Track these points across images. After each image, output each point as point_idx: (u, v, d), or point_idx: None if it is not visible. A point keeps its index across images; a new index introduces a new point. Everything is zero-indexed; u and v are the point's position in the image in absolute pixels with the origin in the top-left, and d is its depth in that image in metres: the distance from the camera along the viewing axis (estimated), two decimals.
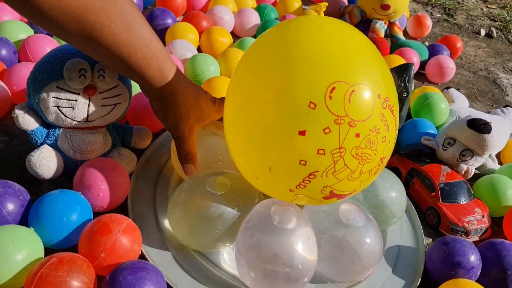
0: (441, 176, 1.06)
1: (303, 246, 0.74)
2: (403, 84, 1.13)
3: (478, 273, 0.86)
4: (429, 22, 1.91)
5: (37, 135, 0.86)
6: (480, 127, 1.05)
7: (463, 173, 1.09)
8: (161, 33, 1.39)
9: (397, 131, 0.75)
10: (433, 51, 1.70)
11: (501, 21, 2.31)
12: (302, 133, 0.65)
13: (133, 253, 0.74)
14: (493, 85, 1.75)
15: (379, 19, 1.69)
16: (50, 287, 0.63)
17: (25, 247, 0.69)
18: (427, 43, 1.90)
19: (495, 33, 2.17)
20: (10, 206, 0.75)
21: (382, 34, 1.68)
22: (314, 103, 0.63)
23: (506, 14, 2.37)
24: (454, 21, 2.22)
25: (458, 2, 2.42)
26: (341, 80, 0.64)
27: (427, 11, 2.27)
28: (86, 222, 0.76)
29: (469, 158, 1.09)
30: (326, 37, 0.70)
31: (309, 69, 0.65)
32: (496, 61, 1.95)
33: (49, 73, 0.80)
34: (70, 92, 0.81)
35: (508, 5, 2.53)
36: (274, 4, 1.78)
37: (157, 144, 0.99)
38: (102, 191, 0.81)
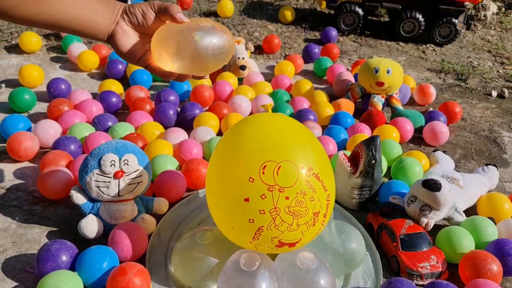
0: (403, 228, 1.27)
1: (262, 283, 1.00)
2: (370, 153, 1.38)
3: None
4: (432, 90, 2.14)
5: (86, 208, 1.23)
6: (430, 186, 1.26)
7: (424, 225, 1.29)
8: (191, 121, 1.77)
9: (328, 191, 1.01)
10: (430, 117, 1.92)
11: None
12: (246, 199, 0.95)
13: None
14: (493, 144, 1.91)
15: (377, 94, 1.95)
16: None
17: (70, 285, 1.03)
18: (431, 109, 2.11)
19: (507, 94, 2.33)
20: (63, 257, 1.10)
21: (379, 107, 1.94)
22: (252, 178, 0.94)
23: None
24: (466, 85, 2.41)
25: (473, 67, 2.61)
26: (270, 159, 0.95)
27: (440, 78, 2.48)
28: (113, 268, 1.09)
29: (428, 212, 1.30)
30: (262, 129, 1.02)
31: (248, 154, 0.97)
32: (503, 120, 2.10)
33: (91, 164, 1.18)
34: (105, 176, 1.18)
35: None
36: (289, 87, 2.12)
37: (172, 212, 1.32)
38: (125, 246, 1.15)
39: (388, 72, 1.90)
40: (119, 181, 1.20)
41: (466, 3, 2.71)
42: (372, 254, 1.26)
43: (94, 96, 1.92)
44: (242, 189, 0.95)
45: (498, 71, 2.60)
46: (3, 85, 2.03)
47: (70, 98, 1.85)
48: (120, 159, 1.19)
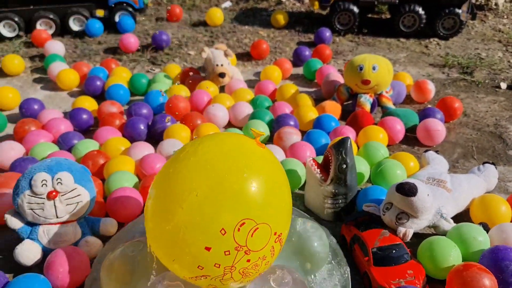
0: (376, 240, 1.11)
1: None
2: (340, 157, 1.23)
3: None
4: (430, 86, 1.96)
5: (23, 232, 1.13)
6: (405, 190, 1.10)
7: (401, 236, 1.13)
8: (161, 134, 1.67)
9: (280, 251, 0.94)
10: (424, 115, 1.74)
11: None
12: (208, 248, 0.84)
13: None
14: (498, 140, 1.71)
15: (364, 93, 1.80)
16: None
17: None
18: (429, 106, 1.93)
19: None
20: None
21: (367, 107, 1.78)
22: (225, 230, 0.82)
23: None
24: (472, 79, 2.21)
25: (481, 59, 2.40)
26: (251, 217, 0.84)
27: (443, 72, 2.29)
28: None
29: (405, 220, 1.13)
30: (249, 183, 0.86)
31: (229, 203, 0.83)
32: (511, 113, 1.90)
33: (22, 186, 1.09)
34: (37, 197, 1.08)
35: None
36: (273, 92, 1.99)
37: (121, 233, 1.21)
38: (61, 273, 1.04)
39: (374, 69, 1.74)
40: (54, 202, 1.10)
41: None
42: (342, 271, 1.10)
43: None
44: (208, 237, 0.83)
45: (509, 61, 2.38)
46: None
47: (39, 118, 1.78)
48: (52, 178, 1.09)
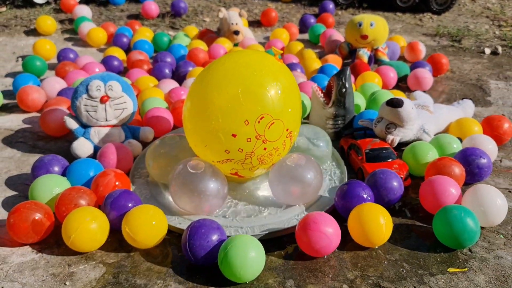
0: (369, 145, 1.35)
1: (208, 181, 1.12)
2: (341, 82, 1.47)
3: (369, 199, 1.14)
4: (421, 47, 2.20)
5: (78, 132, 1.38)
6: (393, 103, 1.34)
7: (390, 142, 1.37)
8: (184, 77, 1.91)
9: (290, 147, 1.18)
10: (415, 67, 1.98)
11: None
12: (234, 135, 1.07)
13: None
14: (478, 90, 1.96)
15: (363, 47, 2.04)
16: (65, 200, 1.10)
17: (59, 186, 1.17)
18: None
19: (500, 50, 2.36)
20: (55, 168, 1.25)
21: (365, 59, 2.02)
22: (248, 121, 1.06)
23: None
24: (460, 46, 2.45)
25: (469, 30, 2.65)
26: (268, 113, 1.07)
27: (434, 40, 2.54)
28: None
29: (393, 129, 1.37)
30: (268, 86, 1.09)
31: (252, 100, 1.07)
32: (492, 72, 2.14)
33: (80, 90, 1.33)
34: (92, 100, 1.32)
35: None
36: (281, 49, 2.23)
37: (158, 140, 1.45)
38: (111, 159, 1.29)
39: (371, 25, 1.99)
40: (105, 106, 1.34)
41: None
42: (340, 168, 1.35)
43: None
44: (235, 126, 1.07)
45: (494, 32, 2.63)
46: (20, 59, 2.24)
47: (76, 62, 2.03)
48: (105, 85, 1.33)
